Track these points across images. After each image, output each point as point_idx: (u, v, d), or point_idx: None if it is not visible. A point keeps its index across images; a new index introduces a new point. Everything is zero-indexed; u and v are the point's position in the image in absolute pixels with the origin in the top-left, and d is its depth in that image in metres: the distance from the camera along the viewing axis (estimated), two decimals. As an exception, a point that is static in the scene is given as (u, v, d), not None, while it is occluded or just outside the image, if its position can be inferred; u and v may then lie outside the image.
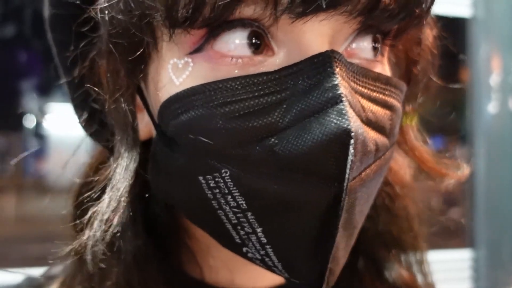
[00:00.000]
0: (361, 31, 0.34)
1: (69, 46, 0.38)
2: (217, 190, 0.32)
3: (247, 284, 0.41)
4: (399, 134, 0.41)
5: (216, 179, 0.32)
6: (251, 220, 0.32)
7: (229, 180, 0.32)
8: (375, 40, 0.35)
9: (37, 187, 1.55)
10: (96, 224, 0.34)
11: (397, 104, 0.36)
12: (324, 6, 0.30)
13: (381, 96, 0.34)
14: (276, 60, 0.32)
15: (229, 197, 0.32)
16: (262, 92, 0.31)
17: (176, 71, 0.33)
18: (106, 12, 0.33)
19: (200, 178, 0.32)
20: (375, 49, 0.35)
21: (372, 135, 0.32)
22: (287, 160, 0.30)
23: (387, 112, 0.34)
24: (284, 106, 0.31)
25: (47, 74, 1.59)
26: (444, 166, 0.45)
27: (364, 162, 0.31)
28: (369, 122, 0.32)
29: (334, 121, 0.29)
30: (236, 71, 0.32)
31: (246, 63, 0.32)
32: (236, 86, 0.31)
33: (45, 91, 1.53)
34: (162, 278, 0.38)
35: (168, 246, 0.39)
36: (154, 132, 0.36)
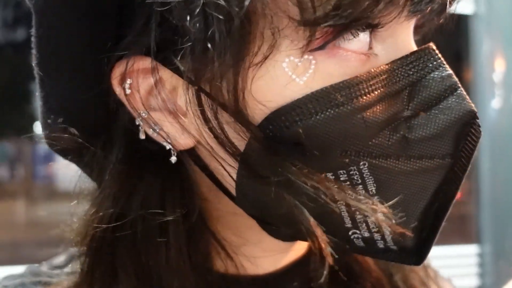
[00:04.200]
0: None
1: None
2: (347, 183, 0.33)
3: (264, 268, 0.42)
4: None
5: (351, 172, 0.33)
6: (375, 204, 0.34)
7: (367, 170, 0.33)
8: None
9: (47, 191, 1.56)
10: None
11: None
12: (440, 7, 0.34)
13: None
14: (377, 55, 0.34)
15: (360, 187, 0.33)
16: (388, 83, 0.33)
17: (296, 70, 0.32)
18: None
19: (329, 175, 0.33)
20: None
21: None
22: (417, 145, 0.33)
23: None
24: (406, 94, 0.33)
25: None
26: None
27: None
28: None
29: (461, 104, 0.34)
30: (360, 66, 0.33)
31: (364, 58, 0.33)
32: (371, 79, 0.32)
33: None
34: (192, 274, 0.37)
35: (196, 244, 0.39)
36: (206, 137, 0.34)
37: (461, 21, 1.63)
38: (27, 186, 1.59)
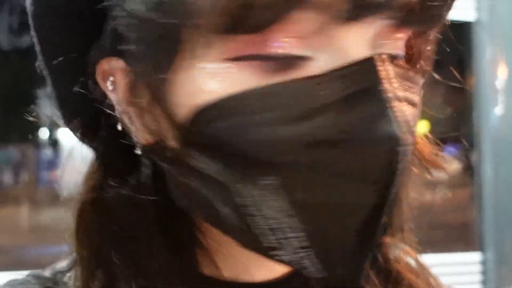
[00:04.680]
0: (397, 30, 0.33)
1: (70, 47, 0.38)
2: (263, 198, 0.32)
3: (260, 275, 0.41)
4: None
5: (261, 184, 0.32)
6: (295, 225, 0.32)
7: (279, 187, 0.31)
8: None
9: (51, 196, 1.56)
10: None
11: (418, 100, 0.35)
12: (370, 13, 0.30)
13: (410, 95, 0.34)
14: (316, 64, 0.31)
15: (275, 204, 0.32)
16: (308, 97, 0.31)
17: (215, 76, 0.32)
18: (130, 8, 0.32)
19: (239, 186, 0.32)
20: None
21: (405, 137, 0.32)
22: (337, 167, 0.31)
23: (413, 110, 0.34)
24: (331, 111, 0.31)
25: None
26: (440, 159, 0.43)
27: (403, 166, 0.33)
28: (405, 124, 0.33)
29: (384, 128, 0.30)
30: (282, 76, 0.31)
31: (290, 67, 0.31)
32: (286, 90, 0.31)
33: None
34: (179, 277, 0.37)
35: (182, 245, 0.39)
36: (168, 137, 0.35)
37: (464, 28, 1.64)
38: (30, 191, 1.60)
